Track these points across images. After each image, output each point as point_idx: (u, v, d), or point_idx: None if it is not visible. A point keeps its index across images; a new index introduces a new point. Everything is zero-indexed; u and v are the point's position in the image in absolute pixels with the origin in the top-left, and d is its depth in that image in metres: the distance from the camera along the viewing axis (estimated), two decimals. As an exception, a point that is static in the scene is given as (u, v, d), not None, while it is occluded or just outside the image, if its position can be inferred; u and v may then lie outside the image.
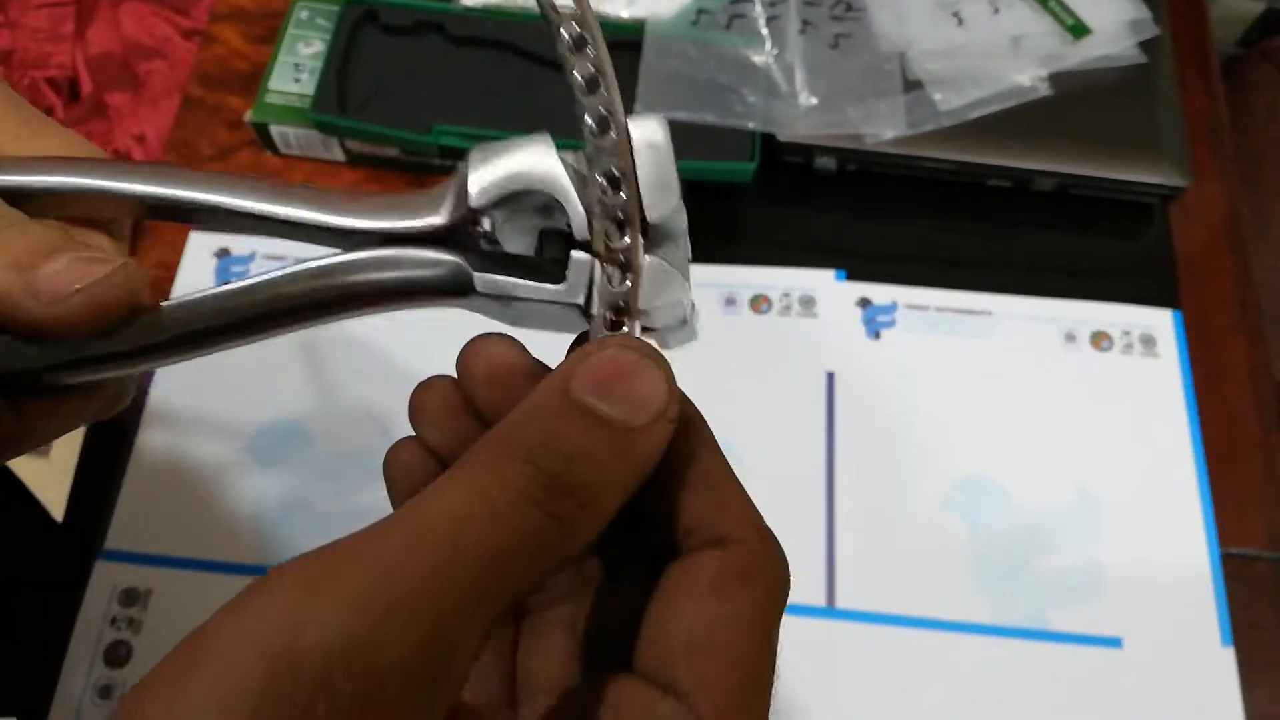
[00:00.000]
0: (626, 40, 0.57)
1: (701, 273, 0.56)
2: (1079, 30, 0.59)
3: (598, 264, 0.23)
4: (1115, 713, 0.48)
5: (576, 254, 0.23)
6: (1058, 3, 0.59)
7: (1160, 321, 0.56)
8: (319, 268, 0.24)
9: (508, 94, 0.57)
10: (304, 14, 0.60)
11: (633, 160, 0.22)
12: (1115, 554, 0.51)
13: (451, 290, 0.24)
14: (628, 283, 0.22)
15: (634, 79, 0.56)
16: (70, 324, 0.23)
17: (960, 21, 0.59)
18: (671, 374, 0.21)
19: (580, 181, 0.23)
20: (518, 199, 0.23)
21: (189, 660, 0.16)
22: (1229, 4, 0.95)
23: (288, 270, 0.24)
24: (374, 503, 0.51)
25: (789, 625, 0.50)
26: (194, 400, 0.53)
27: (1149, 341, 0.55)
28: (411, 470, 0.24)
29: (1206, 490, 0.52)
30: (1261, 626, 0.50)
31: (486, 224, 0.23)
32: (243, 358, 0.55)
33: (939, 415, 0.54)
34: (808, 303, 0.56)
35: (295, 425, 0.52)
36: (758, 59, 0.58)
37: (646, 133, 0.23)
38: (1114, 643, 0.49)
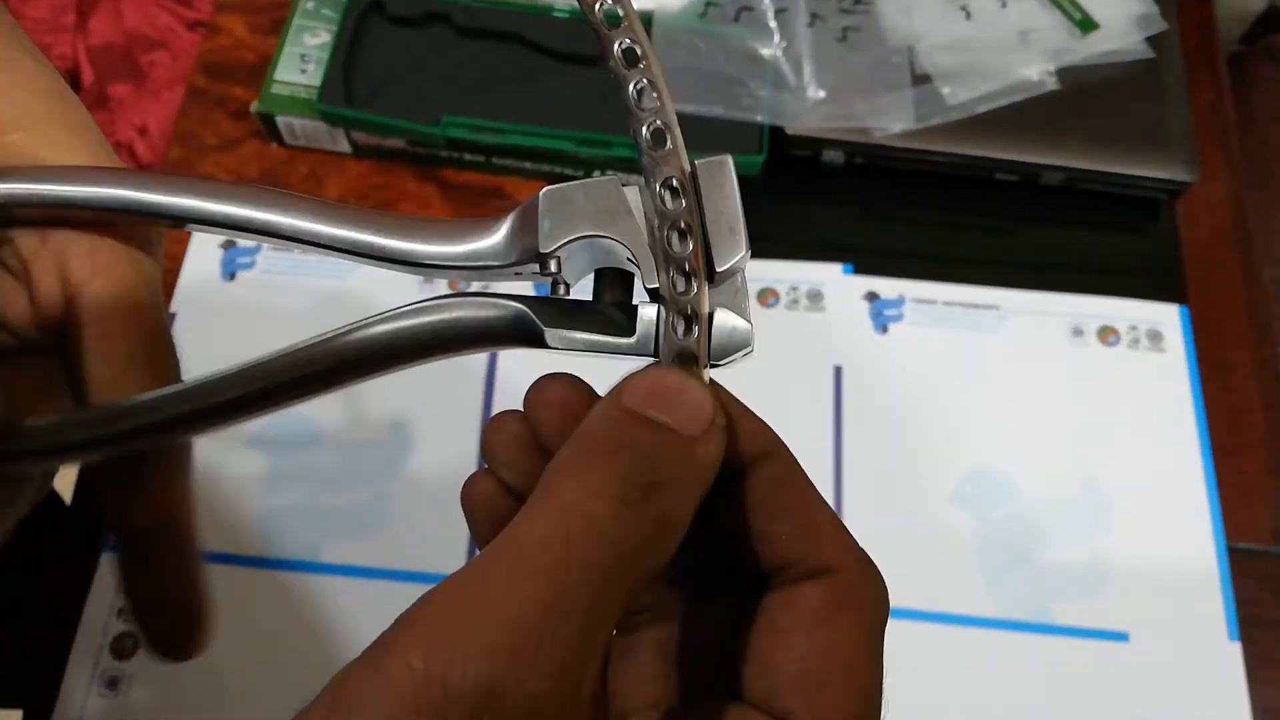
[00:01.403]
0: (634, 32, 0.57)
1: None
2: (1087, 25, 0.59)
3: (663, 312, 0.23)
4: (1122, 707, 0.48)
5: (644, 308, 0.23)
6: (1066, -3, 0.59)
7: (1167, 317, 0.56)
8: (384, 316, 0.24)
9: (515, 85, 0.57)
10: (310, 4, 0.60)
11: (701, 212, 0.23)
12: (1122, 548, 0.51)
13: (522, 340, 0.24)
14: (694, 332, 0.23)
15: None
16: None
17: (968, 15, 0.59)
18: (709, 391, 0.22)
19: (648, 226, 0.23)
20: (586, 242, 0.23)
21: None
22: (1231, 1, 0.95)
23: (347, 327, 0.24)
24: (378, 496, 0.51)
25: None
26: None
27: (1155, 336, 0.55)
28: (490, 501, 0.25)
29: (1213, 485, 0.52)
30: (1268, 621, 0.50)
31: (552, 265, 0.23)
32: (251, 351, 0.55)
33: (946, 409, 0.54)
34: (815, 297, 0.56)
35: (302, 420, 0.52)
36: (766, 52, 0.57)
37: (714, 176, 0.23)
38: (1120, 637, 0.49)
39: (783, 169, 0.58)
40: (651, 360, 0.23)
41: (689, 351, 0.23)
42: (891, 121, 0.56)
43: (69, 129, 0.26)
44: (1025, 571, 0.51)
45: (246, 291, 0.55)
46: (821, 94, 0.57)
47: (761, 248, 0.57)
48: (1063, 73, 0.58)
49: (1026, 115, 0.58)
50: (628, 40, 0.23)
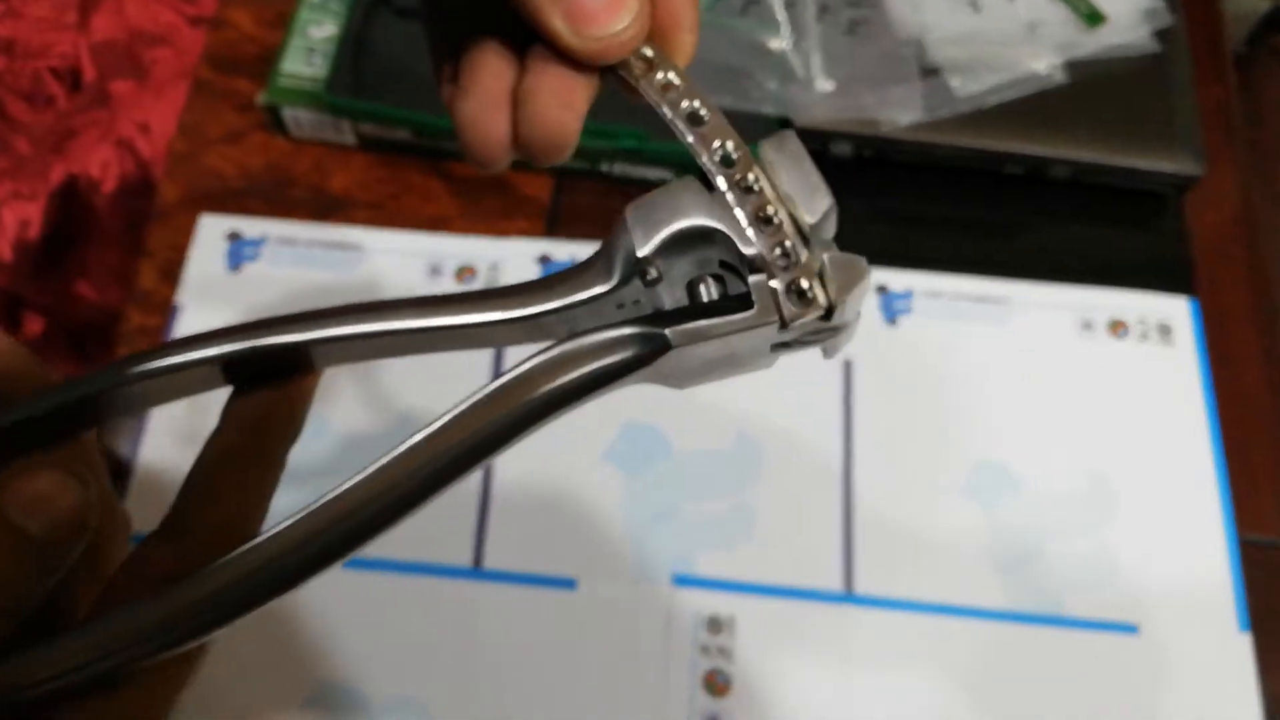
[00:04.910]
0: (642, 25, 0.57)
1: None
2: (1094, 18, 0.59)
3: (777, 282, 0.23)
4: (1132, 699, 0.48)
5: (753, 278, 0.23)
6: (1073, -9, 0.59)
7: (1176, 310, 0.56)
8: (501, 388, 0.24)
9: (523, 77, 0.57)
10: (316, -3, 0.60)
11: (774, 175, 0.24)
12: (1132, 540, 0.51)
13: (647, 357, 0.24)
14: (816, 288, 0.23)
15: (649, 63, 0.56)
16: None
17: (976, 8, 0.59)
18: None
19: (735, 209, 0.24)
20: (681, 242, 0.24)
21: None
22: (1235, 2, 0.95)
23: (466, 406, 0.23)
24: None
25: (807, 611, 0.50)
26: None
27: (1165, 329, 0.55)
28: None
29: (1224, 477, 0.52)
30: (1278, 612, 0.50)
31: (653, 271, 0.24)
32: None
33: (956, 401, 0.54)
34: (823, 289, 0.56)
35: (312, 416, 0.52)
36: (774, 44, 0.57)
37: (782, 149, 0.24)
38: (1130, 629, 0.49)
39: (790, 162, 0.58)
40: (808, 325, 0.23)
41: (812, 298, 0.23)
42: (900, 114, 0.56)
43: None
44: (1035, 563, 0.50)
45: (252, 283, 0.55)
46: (830, 86, 0.57)
47: (769, 240, 0.57)
48: (1070, 66, 0.58)
49: (1034, 108, 0.58)
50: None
